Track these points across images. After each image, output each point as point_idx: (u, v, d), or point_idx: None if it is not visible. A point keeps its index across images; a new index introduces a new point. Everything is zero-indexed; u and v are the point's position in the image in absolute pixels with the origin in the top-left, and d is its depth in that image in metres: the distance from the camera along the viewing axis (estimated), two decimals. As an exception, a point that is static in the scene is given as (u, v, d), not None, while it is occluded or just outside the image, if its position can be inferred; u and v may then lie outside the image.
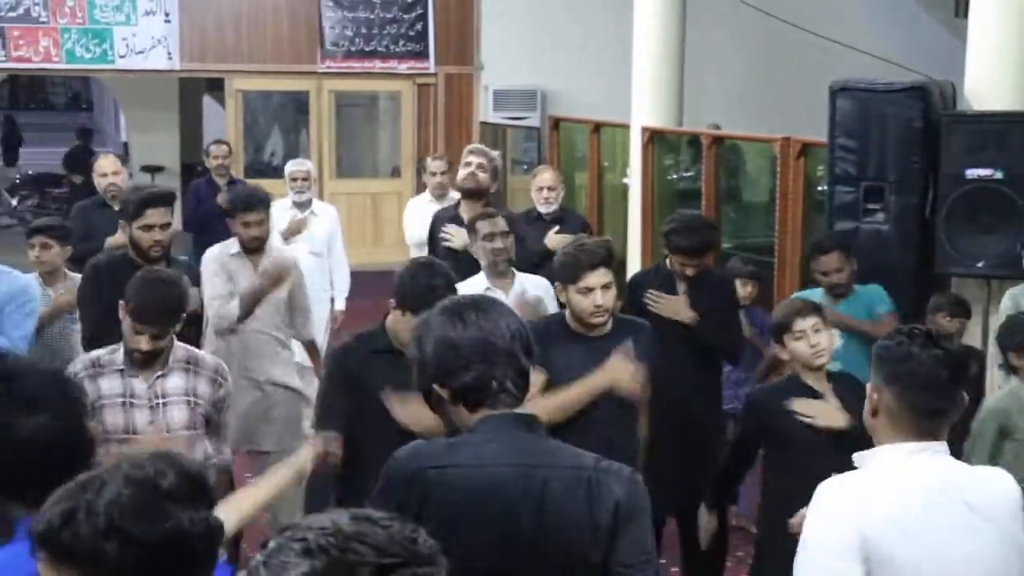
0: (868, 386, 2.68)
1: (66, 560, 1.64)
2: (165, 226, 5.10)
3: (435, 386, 2.50)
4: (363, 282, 8.59)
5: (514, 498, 2.40)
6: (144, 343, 3.92)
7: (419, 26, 13.31)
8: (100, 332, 4.80)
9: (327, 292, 7.78)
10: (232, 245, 5.72)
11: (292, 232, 7.55)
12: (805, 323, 4.26)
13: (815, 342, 4.22)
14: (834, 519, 2.55)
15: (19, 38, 12.18)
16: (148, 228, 5.07)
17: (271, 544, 1.47)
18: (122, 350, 4.04)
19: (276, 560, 1.44)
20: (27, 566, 2.17)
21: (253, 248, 5.64)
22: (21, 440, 2.23)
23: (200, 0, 12.68)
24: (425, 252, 6.55)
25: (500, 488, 2.41)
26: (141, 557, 1.65)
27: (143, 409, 3.97)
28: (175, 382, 4.07)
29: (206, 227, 8.39)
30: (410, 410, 3.61)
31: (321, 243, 7.72)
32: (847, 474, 2.65)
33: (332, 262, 7.84)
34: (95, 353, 4.07)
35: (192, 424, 4.06)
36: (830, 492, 2.62)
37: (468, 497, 2.40)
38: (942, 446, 2.62)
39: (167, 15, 12.51)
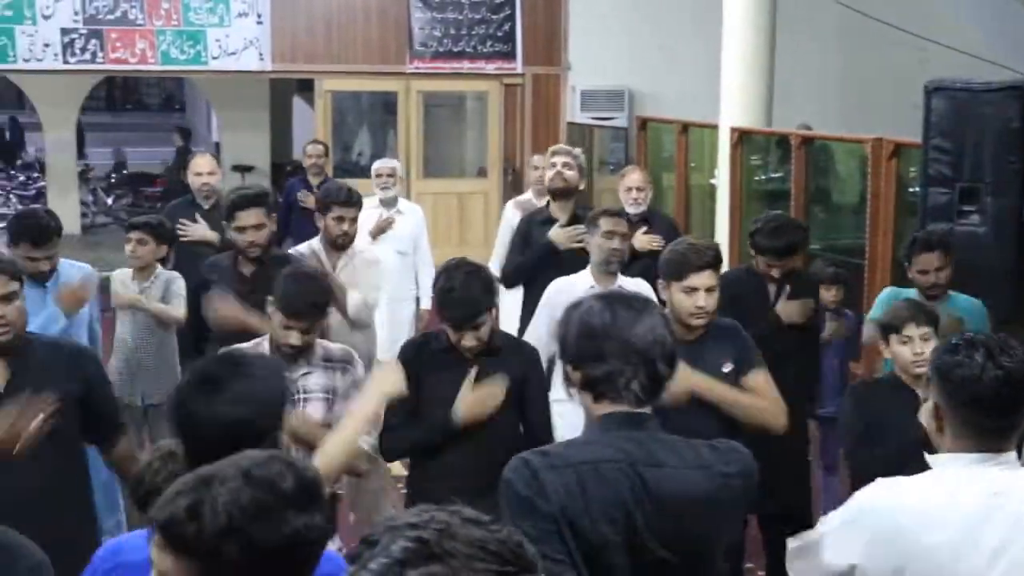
0: (930, 401, 2.63)
1: (185, 553, 1.68)
2: (259, 227, 5.16)
3: (569, 367, 2.53)
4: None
5: (624, 497, 2.41)
6: (294, 338, 3.97)
7: (507, 27, 13.35)
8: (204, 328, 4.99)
9: (412, 291, 7.82)
10: (315, 242, 5.78)
11: (380, 230, 7.60)
12: (916, 331, 4.17)
13: (920, 350, 4.14)
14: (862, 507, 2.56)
15: (116, 40, 12.45)
16: (241, 230, 5.14)
17: (380, 536, 1.45)
18: (266, 345, 4.10)
19: (388, 553, 1.42)
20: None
21: (340, 245, 5.69)
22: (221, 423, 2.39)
23: (291, 2, 12.85)
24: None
25: (609, 486, 2.42)
26: (258, 559, 1.68)
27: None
28: (317, 380, 4.11)
29: (296, 225, 8.52)
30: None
31: (407, 242, 7.76)
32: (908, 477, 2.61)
33: (417, 261, 7.86)
34: (239, 347, 4.07)
35: (327, 422, 4.10)
36: (876, 485, 2.60)
37: (578, 495, 2.41)
38: (1009, 456, 2.56)
39: (259, 17, 12.70)
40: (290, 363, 4.03)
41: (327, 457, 3.14)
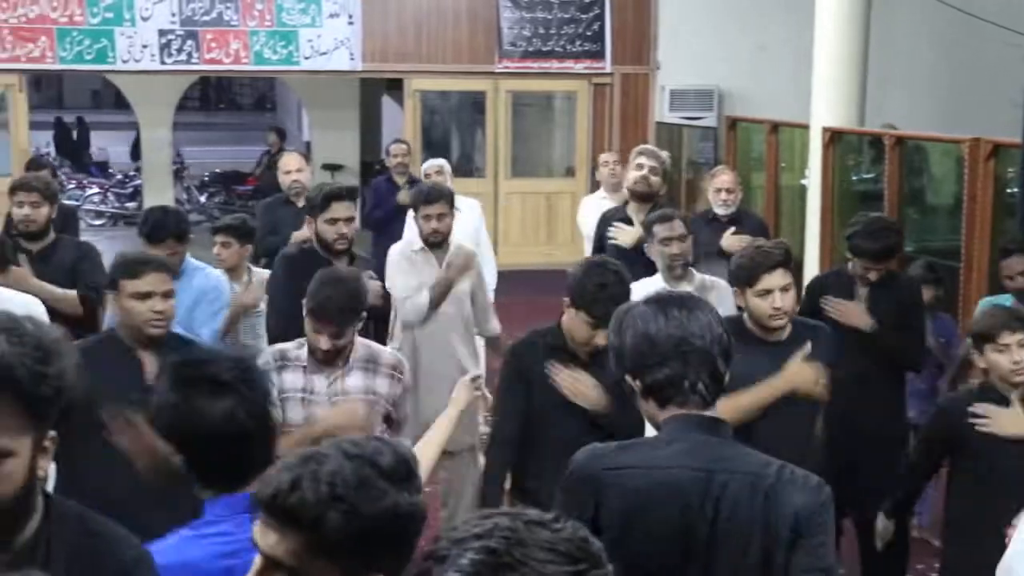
0: None
1: (291, 524, 1.70)
2: (349, 220, 5.22)
3: (627, 377, 2.50)
4: (537, 281, 8.64)
5: (689, 502, 2.38)
6: (324, 342, 3.97)
7: (596, 26, 13.33)
8: (289, 322, 4.99)
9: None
10: (415, 242, 5.82)
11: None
12: (1012, 337, 4.07)
13: (1018, 358, 4.04)
14: None
15: (211, 41, 12.67)
16: (333, 221, 5.19)
17: (447, 551, 1.43)
18: (307, 346, 4.15)
19: (458, 567, 1.41)
20: (205, 544, 2.27)
21: (434, 243, 5.73)
22: (207, 424, 2.34)
23: (382, 2, 12.97)
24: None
25: (675, 490, 2.38)
26: (360, 529, 1.70)
27: (322, 406, 4.04)
28: (355, 381, 4.12)
29: (385, 225, 8.58)
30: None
31: (469, 238, 7.77)
32: None
33: (479, 256, 7.86)
34: (283, 345, 4.16)
35: (368, 423, 4.11)
36: None
37: (642, 499, 2.39)
38: None
39: (350, 17, 12.84)
40: (323, 365, 4.07)
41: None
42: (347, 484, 1.71)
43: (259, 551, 1.73)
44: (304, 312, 4.00)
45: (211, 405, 2.35)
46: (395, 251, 5.85)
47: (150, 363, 3.87)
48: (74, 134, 24.57)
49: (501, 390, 4.26)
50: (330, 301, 3.95)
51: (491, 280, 8.03)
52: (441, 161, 8.31)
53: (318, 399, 4.04)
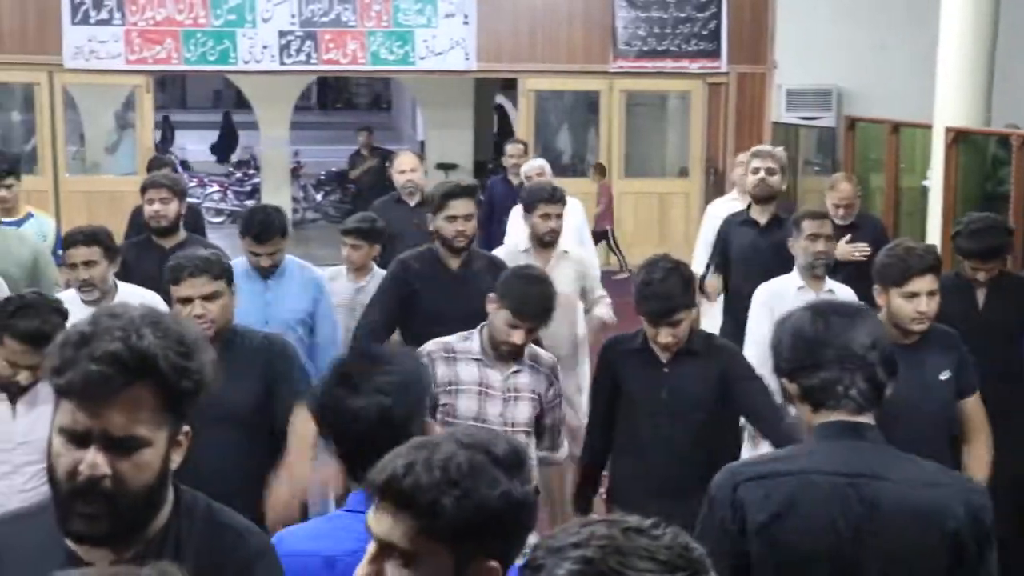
0: None
1: (405, 508, 1.72)
2: (468, 216, 5.24)
3: (784, 380, 2.50)
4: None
5: (838, 510, 2.35)
6: (517, 336, 4.01)
7: (712, 25, 13.20)
8: (394, 321, 5.07)
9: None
10: (521, 242, 5.83)
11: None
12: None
13: None
14: None
15: (329, 41, 12.88)
16: (452, 219, 5.22)
17: (543, 560, 1.43)
18: (477, 340, 4.14)
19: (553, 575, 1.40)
20: (340, 536, 2.31)
21: (547, 242, 5.74)
22: (355, 421, 2.39)
23: (497, 2, 13.03)
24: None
25: (822, 498, 2.35)
26: (473, 514, 1.71)
27: (496, 400, 4.08)
28: (525, 379, 4.15)
29: (497, 224, 8.61)
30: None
31: (572, 237, 7.74)
32: None
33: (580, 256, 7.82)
34: (447, 338, 4.19)
35: (531, 422, 4.16)
36: None
37: (788, 506, 2.36)
38: None
39: (466, 17, 12.93)
40: (500, 360, 4.10)
41: None
42: (460, 469, 1.72)
43: (373, 537, 1.76)
44: (494, 307, 4.04)
45: (361, 403, 2.38)
46: (502, 253, 5.88)
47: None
48: (157, 134, 25.15)
49: (592, 393, 4.28)
50: (533, 299, 4.00)
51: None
52: (542, 162, 8.31)
53: (494, 393, 4.08)
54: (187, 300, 3.95)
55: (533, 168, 8.11)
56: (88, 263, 4.87)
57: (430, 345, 4.18)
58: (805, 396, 2.48)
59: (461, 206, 5.18)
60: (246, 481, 3.84)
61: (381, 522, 1.74)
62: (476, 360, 4.10)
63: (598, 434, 4.25)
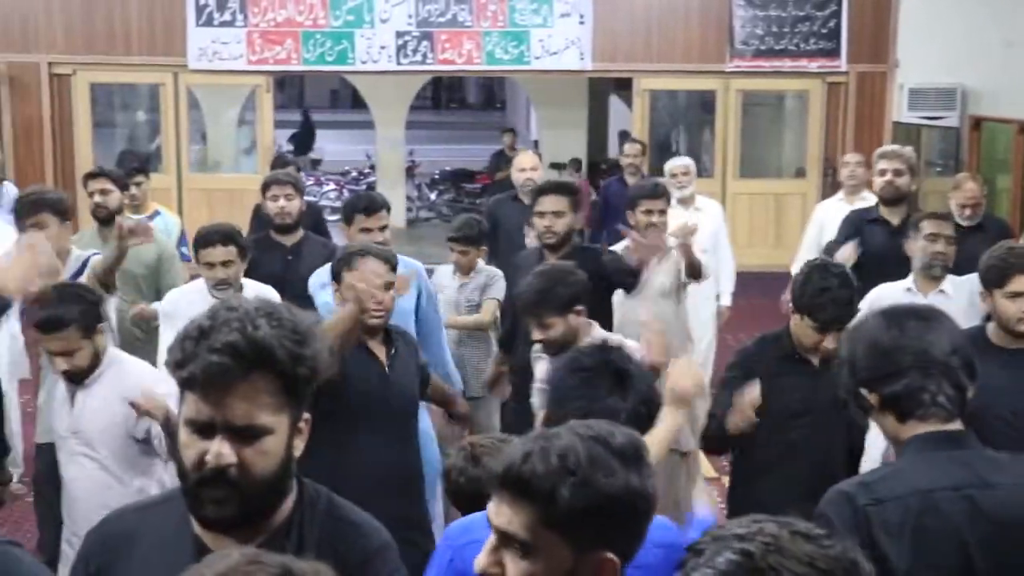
0: None
1: (524, 496, 1.74)
2: (557, 213, 5.26)
3: (863, 391, 2.42)
4: (763, 283, 8.49)
5: (964, 526, 2.27)
6: (538, 334, 4.09)
7: (832, 23, 12.97)
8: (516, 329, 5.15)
9: (713, 289, 7.73)
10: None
11: (686, 234, 7.55)
12: None
13: None
14: None
15: (445, 41, 12.98)
16: (540, 215, 5.26)
17: (706, 546, 1.44)
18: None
19: (713, 564, 1.40)
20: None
21: None
22: None
23: (613, 1, 12.99)
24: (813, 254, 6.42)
25: (946, 516, 2.27)
26: (592, 504, 1.72)
27: None
28: None
29: (612, 224, 8.59)
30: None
31: (708, 239, 7.67)
32: None
33: (719, 258, 7.76)
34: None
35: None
36: None
37: (916, 530, 2.27)
38: None
39: (581, 17, 12.92)
40: (556, 356, 4.13)
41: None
42: (578, 459, 1.74)
43: (492, 528, 1.77)
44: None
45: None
46: (619, 248, 5.90)
47: (379, 351, 4.01)
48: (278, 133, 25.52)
49: (721, 390, 4.21)
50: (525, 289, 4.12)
51: (729, 283, 7.94)
52: (688, 161, 8.23)
53: None
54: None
55: (678, 167, 8.04)
56: (226, 263, 4.99)
57: (536, 346, 4.25)
58: (888, 406, 2.39)
59: (549, 202, 5.20)
60: (400, 474, 4.01)
61: (500, 513, 1.76)
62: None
63: (719, 430, 4.18)
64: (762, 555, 1.36)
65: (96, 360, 4.01)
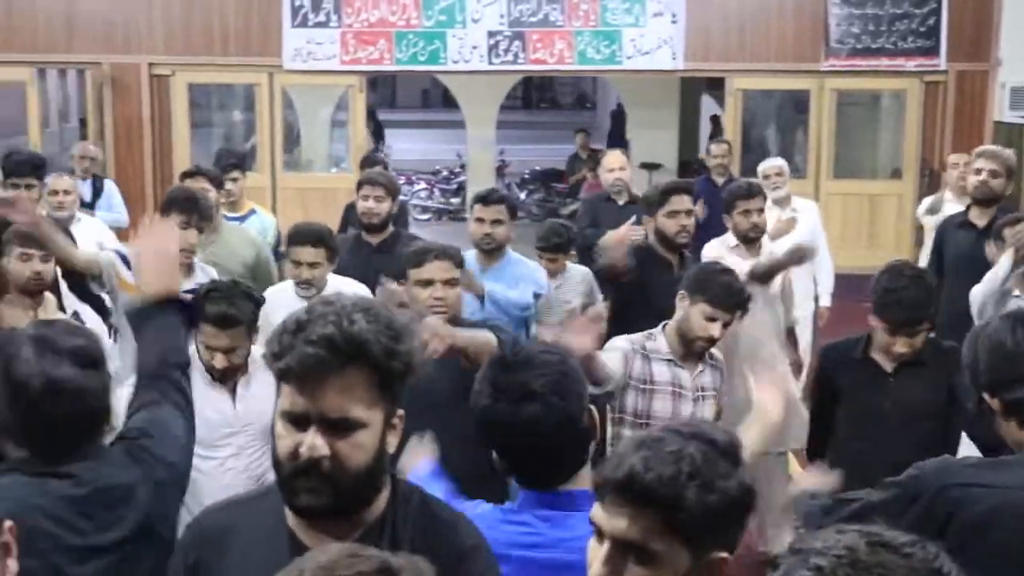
0: None
1: (646, 504, 1.74)
2: (688, 212, 5.25)
3: (985, 395, 2.39)
4: (856, 284, 8.35)
5: None
6: (716, 329, 4.06)
7: (931, 21, 12.72)
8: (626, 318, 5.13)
9: (811, 290, 7.64)
10: (729, 239, 5.81)
11: (781, 233, 7.47)
12: None
13: None
14: None
15: (537, 41, 12.99)
16: (674, 214, 5.23)
17: (782, 564, 1.43)
18: (663, 339, 4.17)
19: None
20: (508, 530, 2.33)
21: (751, 239, 5.70)
22: (513, 430, 2.36)
23: (706, 0, 12.88)
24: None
25: (1018, 514, 2.24)
26: (713, 506, 1.73)
27: (687, 400, 4.11)
28: (708, 377, 4.19)
29: (703, 224, 8.53)
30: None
31: (805, 240, 7.57)
32: None
33: (816, 259, 7.65)
34: (635, 336, 4.23)
35: (713, 420, 4.14)
36: None
37: (994, 520, 2.26)
38: None
39: (674, 16, 12.83)
40: (692, 360, 4.08)
41: None
42: (695, 462, 1.74)
43: (607, 536, 1.76)
44: (686, 302, 4.07)
45: (517, 412, 2.35)
46: (709, 249, 5.88)
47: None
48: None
49: (812, 395, 4.19)
50: (727, 288, 4.07)
51: (828, 284, 7.84)
52: (781, 162, 8.16)
53: (685, 393, 4.12)
54: (428, 282, 4.03)
55: (771, 168, 7.97)
56: (313, 264, 5.04)
57: (620, 341, 4.21)
58: (1011, 411, 2.36)
59: (683, 202, 5.20)
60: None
61: (617, 520, 1.75)
62: (667, 360, 4.12)
63: (818, 438, 4.16)
64: (832, 569, 1.34)
65: (247, 358, 4.10)
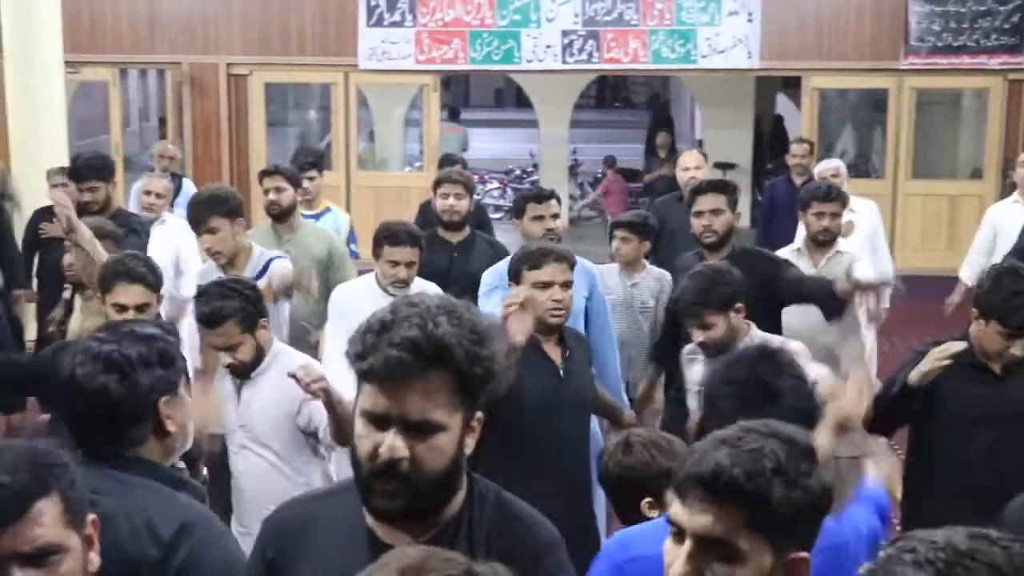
0: None
1: (732, 501, 1.74)
2: (716, 212, 5.17)
3: None
4: (934, 287, 8.24)
5: None
6: (699, 334, 4.09)
7: (1015, 18, 12.46)
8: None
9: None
10: (798, 241, 5.77)
11: (842, 235, 7.37)
12: None
13: None
14: None
15: (611, 40, 12.95)
16: (699, 215, 5.18)
17: (881, 553, 1.45)
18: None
19: (886, 569, 1.40)
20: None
21: (820, 242, 5.66)
22: None
23: (783, -1, 12.76)
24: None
25: None
26: (798, 503, 1.73)
27: None
28: None
29: (778, 224, 8.45)
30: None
31: (864, 242, 7.46)
32: None
33: (875, 260, 7.52)
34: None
35: None
36: None
37: None
38: None
39: (750, 15, 12.72)
40: (715, 356, 4.10)
41: None
42: (778, 458, 1.75)
43: (690, 533, 1.75)
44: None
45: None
46: (784, 253, 5.82)
47: (554, 353, 4.03)
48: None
49: (886, 386, 4.09)
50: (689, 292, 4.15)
51: (886, 287, 7.70)
52: (837, 163, 8.09)
53: None
54: (547, 284, 4.02)
55: (828, 169, 7.88)
56: (409, 264, 5.07)
57: (688, 347, 4.23)
58: None
59: (706, 201, 5.13)
60: (585, 472, 4.07)
61: (701, 517, 1.74)
62: (701, 360, 4.16)
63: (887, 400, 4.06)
64: (926, 554, 1.37)
65: (260, 354, 4.09)
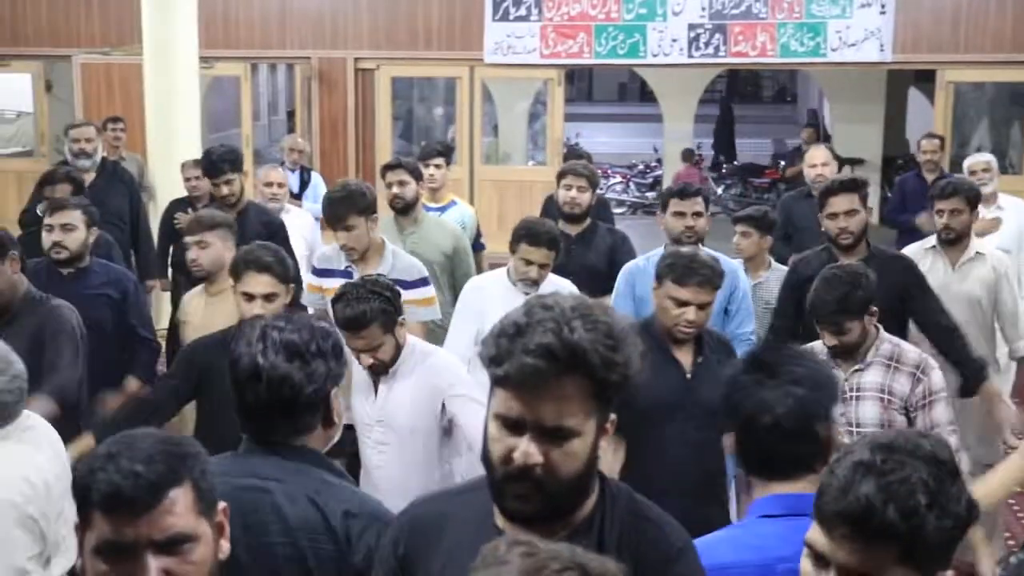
0: None
1: (881, 540, 1.68)
2: (850, 213, 5.04)
3: None
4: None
5: None
6: (832, 339, 4.02)
7: None
8: (792, 326, 5.02)
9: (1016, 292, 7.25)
10: (930, 239, 5.64)
11: (984, 232, 7.13)
12: None
13: None
14: None
15: (739, 34, 12.78)
16: (833, 216, 5.06)
17: (1012, 559, 1.41)
18: (818, 342, 4.10)
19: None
20: (743, 550, 2.27)
21: (945, 239, 5.58)
22: (757, 414, 2.33)
23: (918, -11, 12.43)
24: None
25: None
26: (950, 531, 1.68)
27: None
28: (872, 377, 4.03)
29: (910, 220, 8.24)
30: None
31: (1011, 239, 7.21)
32: None
33: (1021, 259, 7.27)
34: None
35: (883, 422, 3.99)
36: None
37: None
38: None
39: (882, 7, 12.41)
40: (841, 359, 4.04)
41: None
42: (929, 489, 1.68)
43: (837, 567, 1.71)
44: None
45: (767, 397, 2.33)
46: (909, 250, 5.70)
47: (684, 358, 4.02)
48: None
49: None
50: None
51: None
52: (989, 157, 7.82)
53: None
54: (684, 303, 4.03)
55: (978, 164, 7.65)
56: (543, 265, 5.06)
57: (815, 348, 4.13)
58: None
59: (841, 203, 5.00)
60: (716, 473, 4.06)
61: (850, 552, 1.69)
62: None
63: None
64: None
65: (398, 352, 4.10)
